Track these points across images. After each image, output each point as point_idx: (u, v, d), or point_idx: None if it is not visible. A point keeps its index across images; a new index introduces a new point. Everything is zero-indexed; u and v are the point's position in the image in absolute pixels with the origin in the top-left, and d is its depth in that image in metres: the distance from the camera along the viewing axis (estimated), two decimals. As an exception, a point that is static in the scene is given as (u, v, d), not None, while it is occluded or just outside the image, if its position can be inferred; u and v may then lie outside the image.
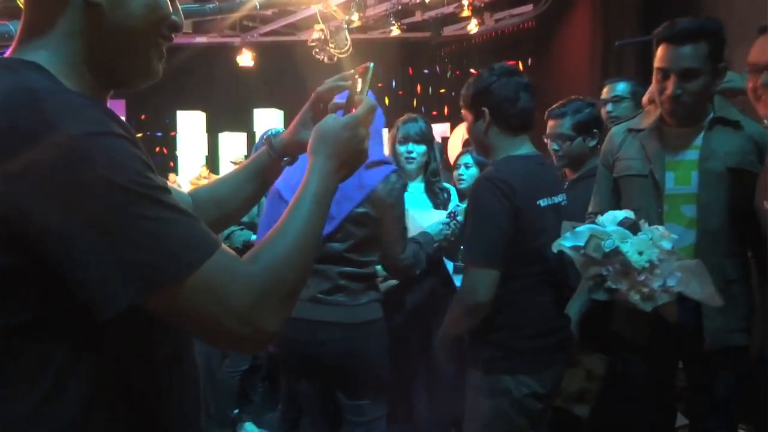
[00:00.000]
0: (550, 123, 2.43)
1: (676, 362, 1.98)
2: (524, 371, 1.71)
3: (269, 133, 2.21)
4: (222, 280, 0.67)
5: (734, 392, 1.83)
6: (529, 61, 7.41)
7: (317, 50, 6.33)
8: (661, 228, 1.68)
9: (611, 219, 1.72)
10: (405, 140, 2.61)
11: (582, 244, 1.67)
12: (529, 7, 7.33)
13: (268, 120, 8.73)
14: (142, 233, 0.64)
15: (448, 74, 8.73)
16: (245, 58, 7.79)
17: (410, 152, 2.61)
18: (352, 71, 0.99)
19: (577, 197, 2.10)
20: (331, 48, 6.22)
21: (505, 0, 7.43)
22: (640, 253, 1.64)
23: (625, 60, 5.64)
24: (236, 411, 3.31)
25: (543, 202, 1.74)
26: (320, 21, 6.20)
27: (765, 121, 1.70)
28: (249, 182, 1.09)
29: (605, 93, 2.76)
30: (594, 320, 2.01)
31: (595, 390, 2.10)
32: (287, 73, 7.82)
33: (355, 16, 6.23)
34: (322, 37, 6.23)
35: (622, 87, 2.73)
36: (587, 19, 6.33)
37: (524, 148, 1.78)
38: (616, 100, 2.71)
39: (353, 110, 0.89)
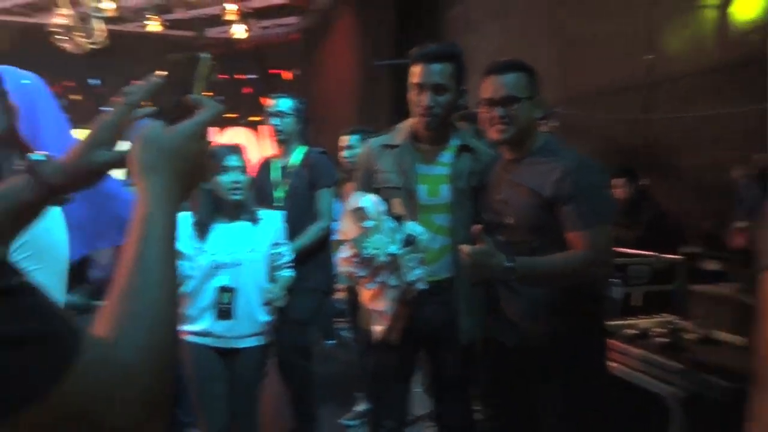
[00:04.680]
0: None
1: (419, 355, 2.19)
2: None
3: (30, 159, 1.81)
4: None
5: (471, 378, 2.10)
6: (295, 71, 7.56)
7: (60, 37, 5.64)
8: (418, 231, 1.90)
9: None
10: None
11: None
12: (294, 19, 7.50)
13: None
14: None
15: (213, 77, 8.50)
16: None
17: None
18: (172, 61, 0.78)
19: None
20: (79, 37, 5.60)
21: (272, 9, 7.49)
22: (377, 249, 1.85)
23: (381, 79, 6.09)
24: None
25: None
26: (65, 5, 5.54)
27: (492, 144, 2.03)
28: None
29: (270, 107, 3.00)
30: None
31: None
32: (18, 60, 6.83)
33: (108, 5, 5.70)
34: (68, 24, 5.57)
35: (286, 103, 2.96)
36: (347, 38, 6.70)
37: None
38: (281, 115, 2.94)
39: (187, 115, 0.70)
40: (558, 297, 1.82)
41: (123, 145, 0.77)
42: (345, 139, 3.31)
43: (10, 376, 0.41)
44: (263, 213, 2.52)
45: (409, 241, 1.90)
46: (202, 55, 0.75)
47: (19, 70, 1.51)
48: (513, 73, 1.84)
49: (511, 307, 1.91)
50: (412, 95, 1.99)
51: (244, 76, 8.31)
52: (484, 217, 1.92)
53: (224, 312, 2.30)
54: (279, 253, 2.51)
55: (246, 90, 8.40)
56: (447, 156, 2.04)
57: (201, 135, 0.69)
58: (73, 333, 0.46)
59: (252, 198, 2.52)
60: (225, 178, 2.34)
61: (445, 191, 2.01)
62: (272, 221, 2.53)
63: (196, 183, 0.69)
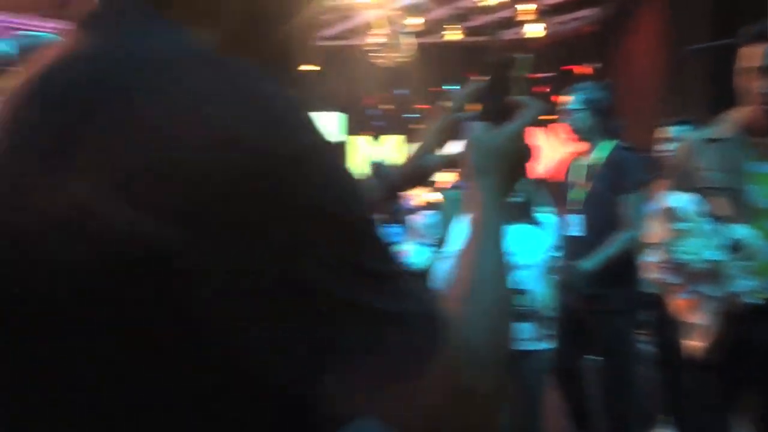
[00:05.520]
0: None
1: (746, 382, 1.88)
2: None
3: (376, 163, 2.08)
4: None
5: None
6: (592, 65, 7.25)
7: (375, 54, 6.37)
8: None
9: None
10: None
11: None
12: (592, 11, 7.18)
13: (324, 123, 8.85)
14: None
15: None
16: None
17: None
18: (491, 64, 0.79)
19: None
20: (392, 53, 6.25)
21: (568, 4, 7.29)
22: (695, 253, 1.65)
23: (694, 65, 5.44)
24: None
25: None
26: (380, 26, 6.24)
27: None
28: None
29: (563, 104, 2.77)
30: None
31: None
32: (344, 77, 7.93)
33: (417, 21, 6.25)
34: (382, 42, 6.27)
35: (577, 98, 2.70)
36: (653, 23, 6.15)
37: None
38: (574, 111, 2.70)
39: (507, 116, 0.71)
40: None
41: (452, 148, 0.83)
42: (665, 131, 2.97)
43: (405, 349, 0.45)
44: (543, 216, 2.48)
45: (736, 247, 1.66)
46: (520, 56, 0.76)
47: None
48: None
49: None
50: (746, 81, 1.72)
51: (536, 75, 8.27)
52: None
53: (521, 314, 2.33)
54: (552, 258, 2.47)
55: (539, 89, 8.34)
56: None
57: (523, 135, 0.71)
58: (442, 315, 0.49)
59: (535, 200, 2.50)
60: None
61: None
62: (551, 225, 2.50)
63: (516, 183, 0.72)
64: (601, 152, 2.71)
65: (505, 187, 0.69)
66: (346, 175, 0.46)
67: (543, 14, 7.01)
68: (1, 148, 0.45)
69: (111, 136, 0.41)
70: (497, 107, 0.74)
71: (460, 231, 2.24)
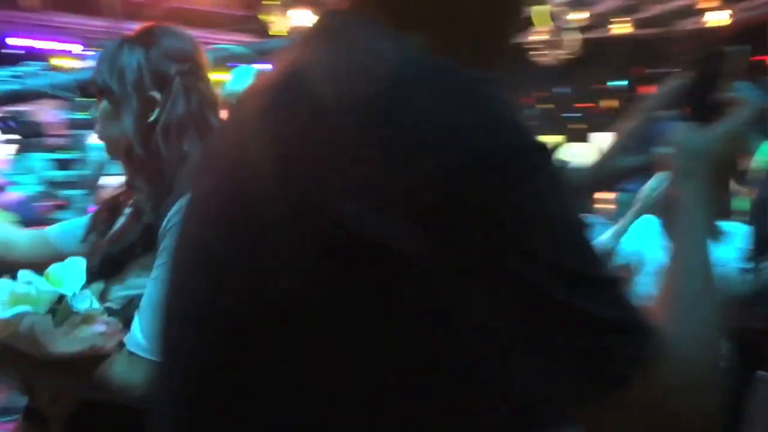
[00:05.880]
0: None
1: None
2: None
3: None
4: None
5: None
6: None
7: (537, 52, 6.18)
8: None
9: None
10: None
11: None
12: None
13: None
14: None
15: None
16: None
17: None
18: (698, 59, 0.75)
19: None
20: (555, 50, 6.04)
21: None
22: None
23: None
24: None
25: None
26: (542, 22, 6.05)
27: None
28: None
29: None
30: None
31: None
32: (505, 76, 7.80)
33: (582, 15, 5.98)
34: (545, 39, 6.07)
35: None
36: None
37: None
38: None
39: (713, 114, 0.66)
40: None
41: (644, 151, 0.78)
42: None
43: (613, 357, 0.44)
44: (727, 225, 2.25)
45: None
46: (731, 48, 0.69)
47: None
48: None
49: None
50: None
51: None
52: None
53: None
54: (735, 269, 2.22)
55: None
56: None
57: (735, 137, 0.65)
58: (653, 326, 0.48)
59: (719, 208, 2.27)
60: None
61: None
62: (734, 234, 2.25)
63: (725, 188, 0.65)
64: (762, 155, 2.47)
65: (713, 192, 0.64)
66: (560, 178, 0.46)
67: (728, 0, 6.36)
68: (238, 157, 0.50)
69: (349, 143, 0.44)
70: (705, 106, 0.68)
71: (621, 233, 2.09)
